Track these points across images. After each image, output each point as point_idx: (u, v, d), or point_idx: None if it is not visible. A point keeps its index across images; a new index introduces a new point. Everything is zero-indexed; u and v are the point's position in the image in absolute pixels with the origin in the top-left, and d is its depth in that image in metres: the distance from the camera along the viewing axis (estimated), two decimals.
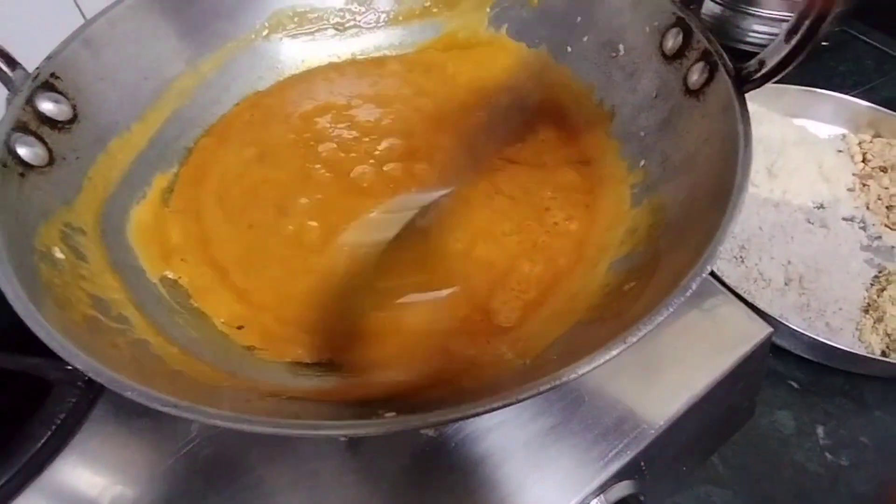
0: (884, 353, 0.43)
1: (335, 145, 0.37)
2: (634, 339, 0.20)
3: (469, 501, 0.29)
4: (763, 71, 0.27)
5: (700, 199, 0.27)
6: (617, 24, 0.35)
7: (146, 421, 0.31)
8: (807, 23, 0.25)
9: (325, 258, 0.32)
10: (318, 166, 0.36)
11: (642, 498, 0.32)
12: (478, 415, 0.18)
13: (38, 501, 0.29)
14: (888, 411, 0.42)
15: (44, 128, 0.29)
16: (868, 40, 0.68)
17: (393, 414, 0.19)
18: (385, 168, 0.35)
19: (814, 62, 0.65)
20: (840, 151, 0.55)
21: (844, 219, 0.50)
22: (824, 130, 0.57)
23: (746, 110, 0.27)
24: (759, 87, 0.27)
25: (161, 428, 0.31)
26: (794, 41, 0.26)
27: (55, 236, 0.28)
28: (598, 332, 0.24)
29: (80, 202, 0.30)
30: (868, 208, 0.52)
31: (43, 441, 0.30)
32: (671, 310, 0.21)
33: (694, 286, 0.21)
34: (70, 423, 0.31)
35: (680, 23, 0.31)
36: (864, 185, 0.53)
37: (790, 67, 0.26)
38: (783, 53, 0.26)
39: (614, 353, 0.20)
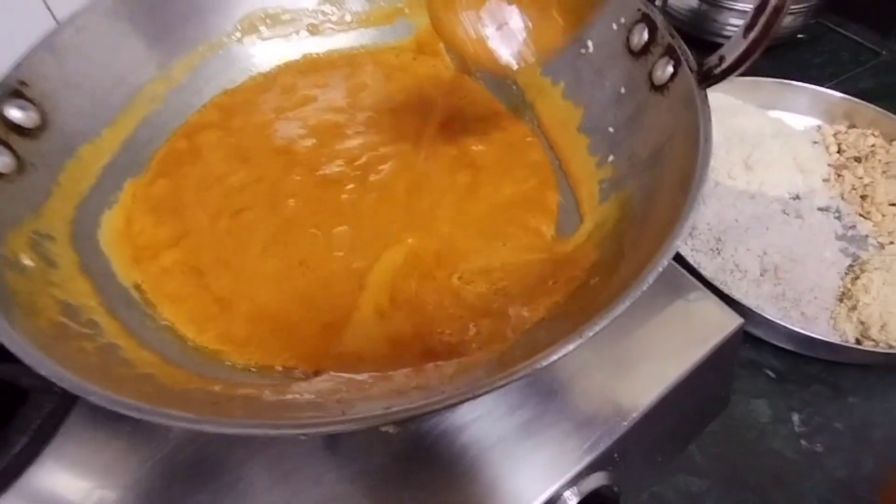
0: (858, 341, 0.44)
1: (306, 142, 0.37)
2: (591, 334, 0.21)
3: (446, 496, 0.30)
4: (723, 66, 0.27)
5: (664, 194, 0.27)
6: None
7: (123, 425, 0.31)
8: (763, 18, 0.25)
9: (295, 261, 0.32)
10: (289, 165, 0.36)
11: (616, 489, 0.32)
12: (436, 411, 0.19)
13: None
14: (862, 398, 0.43)
15: (11, 135, 0.29)
16: (844, 32, 0.69)
17: (353, 412, 0.19)
18: (356, 163, 0.36)
19: (790, 54, 0.66)
20: (815, 143, 0.56)
21: (820, 209, 0.51)
22: (800, 122, 0.58)
23: (707, 105, 0.27)
24: (720, 81, 0.28)
25: (138, 432, 0.31)
26: (751, 36, 0.26)
27: (23, 243, 0.28)
28: (563, 327, 0.24)
29: (50, 209, 0.30)
30: (843, 198, 0.52)
31: (19, 447, 0.30)
32: (628, 303, 0.21)
33: (651, 280, 0.22)
34: (46, 428, 0.31)
35: (645, 19, 0.31)
36: (839, 175, 0.54)
37: (749, 62, 0.27)
38: (742, 49, 0.27)
39: (570, 347, 0.20)
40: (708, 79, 0.28)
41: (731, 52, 0.27)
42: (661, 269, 0.22)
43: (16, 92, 0.30)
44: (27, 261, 0.27)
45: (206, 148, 0.37)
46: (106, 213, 0.33)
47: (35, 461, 0.30)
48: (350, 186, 0.35)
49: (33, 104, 0.31)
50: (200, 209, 0.35)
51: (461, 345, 0.28)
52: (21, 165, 0.29)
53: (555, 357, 0.20)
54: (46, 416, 0.31)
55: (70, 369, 0.20)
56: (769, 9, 0.25)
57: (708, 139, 0.26)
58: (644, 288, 0.21)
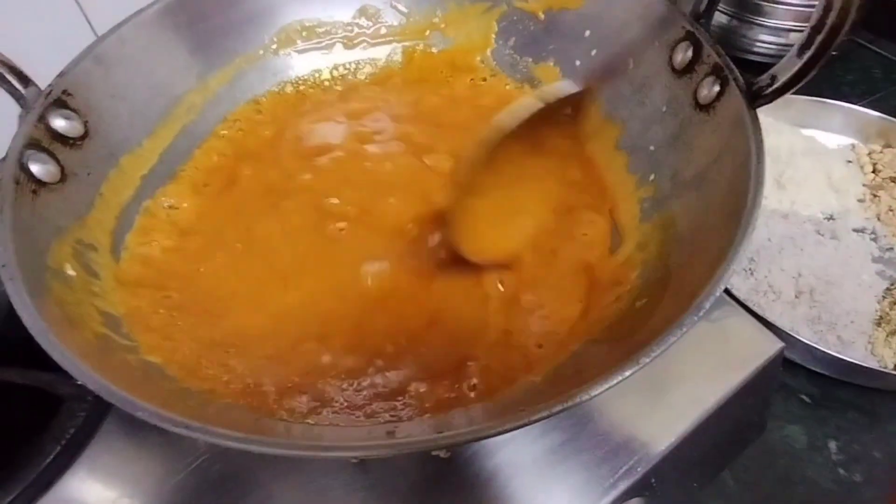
0: None
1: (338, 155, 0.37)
2: (647, 360, 0.20)
3: None
4: (775, 86, 0.27)
5: (712, 216, 0.27)
6: (626, 38, 0.35)
7: (155, 436, 0.31)
8: (819, 37, 0.25)
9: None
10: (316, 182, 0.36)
11: None
12: (489, 436, 0.18)
13: None
14: None
15: (56, 144, 0.30)
16: (875, 49, 0.68)
17: (405, 435, 0.19)
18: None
19: (821, 71, 0.65)
20: (849, 162, 0.55)
21: (855, 230, 0.50)
22: (833, 141, 0.57)
23: (759, 126, 0.27)
24: (771, 101, 0.27)
25: (170, 443, 0.31)
26: (806, 56, 0.26)
27: (67, 253, 0.28)
28: (610, 351, 0.24)
29: (92, 218, 0.30)
30: (879, 219, 0.51)
31: (53, 455, 0.30)
32: (685, 331, 0.21)
33: (707, 306, 0.21)
34: (80, 437, 0.31)
35: (689, 37, 0.31)
36: (874, 195, 0.53)
37: (803, 82, 0.26)
38: (796, 68, 0.26)
39: (627, 374, 0.20)
40: (758, 98, 0.28)
41: (785, 71, 0.26)
42: (716, 295, 0.21)
43: (60, 101, 0.30)
44: (70, 271, 0.27)
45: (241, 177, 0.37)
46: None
47: (69, 470, 0.30)
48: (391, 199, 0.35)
49: (77, 114, 0.31)
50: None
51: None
52: (65, 175, 0.29)
53: (611, 384, 0.19)
54: (80, 425, 0.31)
55: (117, 384, 0.20)
56: (826, 28, 0.25)
57: (761, 161, 0.25)
58: (701, 314, 0.21)
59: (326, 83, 0.41)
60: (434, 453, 0.18)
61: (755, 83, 0.28)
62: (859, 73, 0.66)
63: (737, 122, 0.27)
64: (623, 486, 0.30)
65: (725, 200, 0.26)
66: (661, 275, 0.27)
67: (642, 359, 0.20)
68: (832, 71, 0.66)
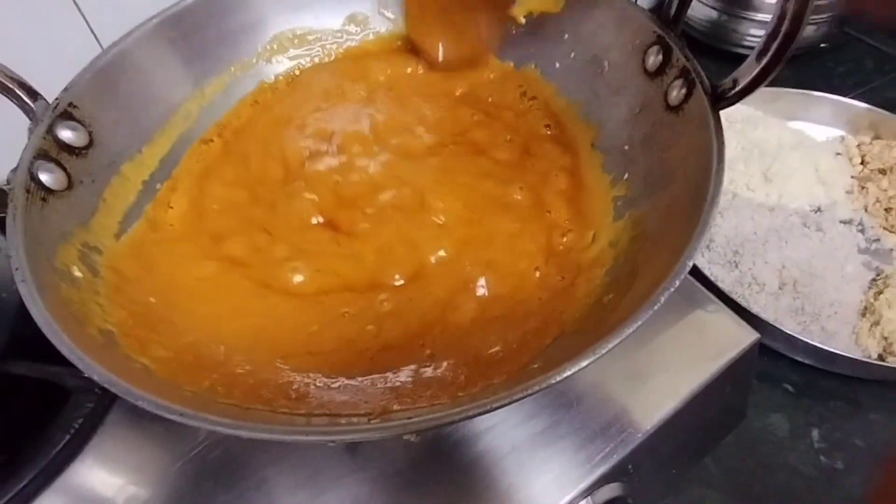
0: (880, 357, 0.43)
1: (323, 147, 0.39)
2: (604, 351, 0.21)
3: (462, 502, 0.31)
4: (736, 89, 0.28)
5: (677, 213, 0.28)
6: (602, 42, 0.36)
7: (158, 425, 0.33)
8: (775, 44, 0.26)
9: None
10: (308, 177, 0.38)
11: (630, 500, 0.33)
12: (454, 422, 0.20)
13: (57, 502, 0.31)
14: (884, 414, 0.43)
15: (63, 154, 0.31)
16: (868, 41, 0.68)
17: (377, 421, 0.20)
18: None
19: (812, 63, 0.65)
20: (838, 154, 0.56)
21: (842, 221, 0.51)
22: (822, 133, 0.57)
23: (721, 127, 0.28)
24: (733, 104, 0.28)
25: (172, 432, 0.33)
26: (764, 61, 0.27)
27: (73, 256, 0.30)
28: (579, 343, 0.25)
29: (96, 223, 0.32)
30: (866, 211, 0.52)
31: (62, 445, 0.32)
32: (640, 323, 0.22)
33: (662, 300, 0.23)
34: (87, 427, 0.33)
35: (660, 41, 0.32)
36: (862, 187, 0.53)
37: (762, 85, 0.27)
38: (755, 72, 0.27)
39: (583, 364, 0.21)
40: (721, 101, 0.29)
41: (744, 75, 0.28)
42: (672, 290, 0.23)
43: (67, 113, 0.32)
44: (77, 272, 0.29)
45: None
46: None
47: (77, 458, 0.32)
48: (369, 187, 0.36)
49: (83, 125, 0.33)
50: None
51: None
52: (71, 182, 0.31)
53: (568, 373, 0.21)
54: (87, 415, 0.33)
55: (119, 375, 0.22)
56: (781, 35, 0.26)
57: (721, 161, 0.26)
58: (656, 308, 0.22)
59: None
60: (405, 437, 0.19)
61: (719, 86, 0.29)
62: (851, 64, 0.66)
63: (702, 123, 0.28)
64: (600, 471, 0.31)
65: (689, 199, 0.27)
66: (629, 270, 0.28)
67: (598, 349, 0.21)
68: (824, 63, 0.66)
